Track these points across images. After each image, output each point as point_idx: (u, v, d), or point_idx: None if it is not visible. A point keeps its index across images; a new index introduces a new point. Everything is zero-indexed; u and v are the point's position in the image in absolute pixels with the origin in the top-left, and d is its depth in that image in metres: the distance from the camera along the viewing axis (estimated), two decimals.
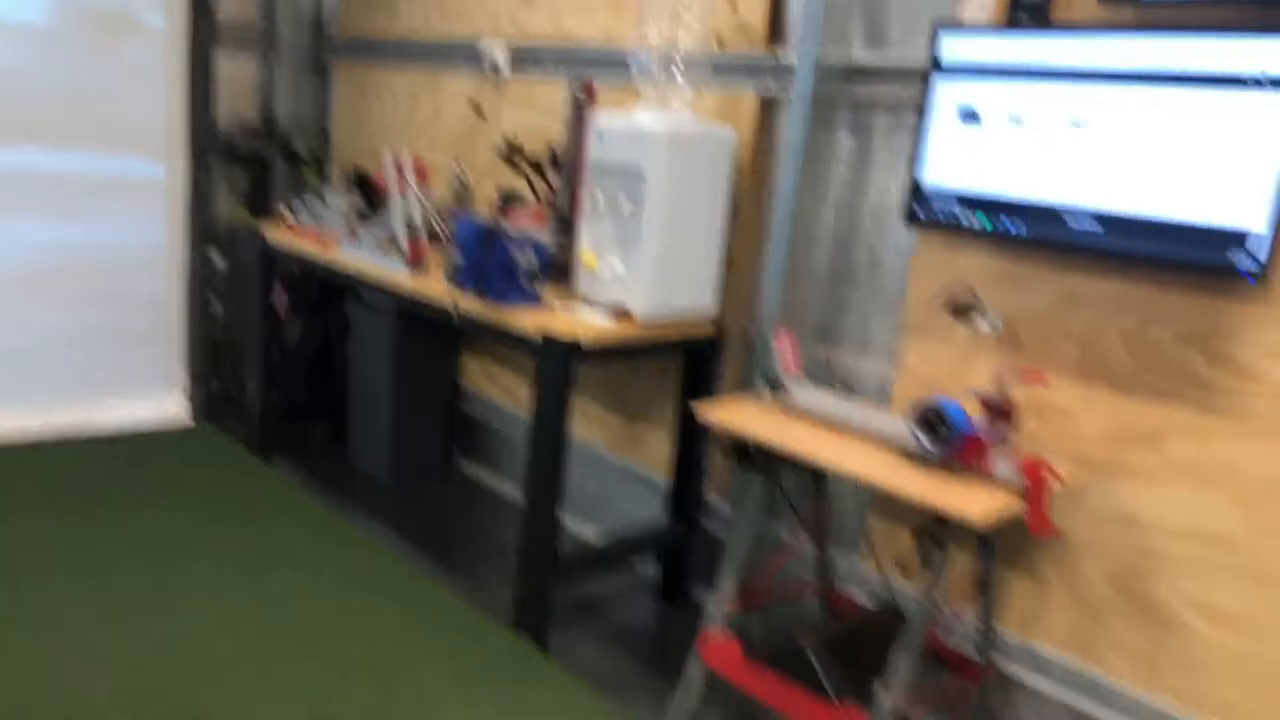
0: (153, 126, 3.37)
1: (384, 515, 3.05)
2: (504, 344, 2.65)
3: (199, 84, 3.38)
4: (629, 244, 2.36)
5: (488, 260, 2.29)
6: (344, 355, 3.51)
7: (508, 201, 2.89)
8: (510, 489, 3.36)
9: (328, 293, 3.58)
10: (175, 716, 1.91)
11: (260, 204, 3.96)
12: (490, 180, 3.24)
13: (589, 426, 3.00)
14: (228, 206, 3.82)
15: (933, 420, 1.70)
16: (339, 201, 3.18)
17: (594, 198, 2.41)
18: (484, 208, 3.24)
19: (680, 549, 2.63)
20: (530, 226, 2.66)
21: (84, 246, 3.32)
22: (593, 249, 2.42)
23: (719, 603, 1.96)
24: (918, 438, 1.72)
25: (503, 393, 3.37)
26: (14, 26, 3.06)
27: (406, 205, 2.66)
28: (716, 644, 1.89)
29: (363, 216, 3.14)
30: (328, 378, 3.67)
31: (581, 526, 3.06)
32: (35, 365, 3.28)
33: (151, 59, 3.32)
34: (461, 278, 2.29)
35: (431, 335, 3.32)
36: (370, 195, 3.33)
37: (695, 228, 2.38)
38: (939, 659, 1.97)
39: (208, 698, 1.98)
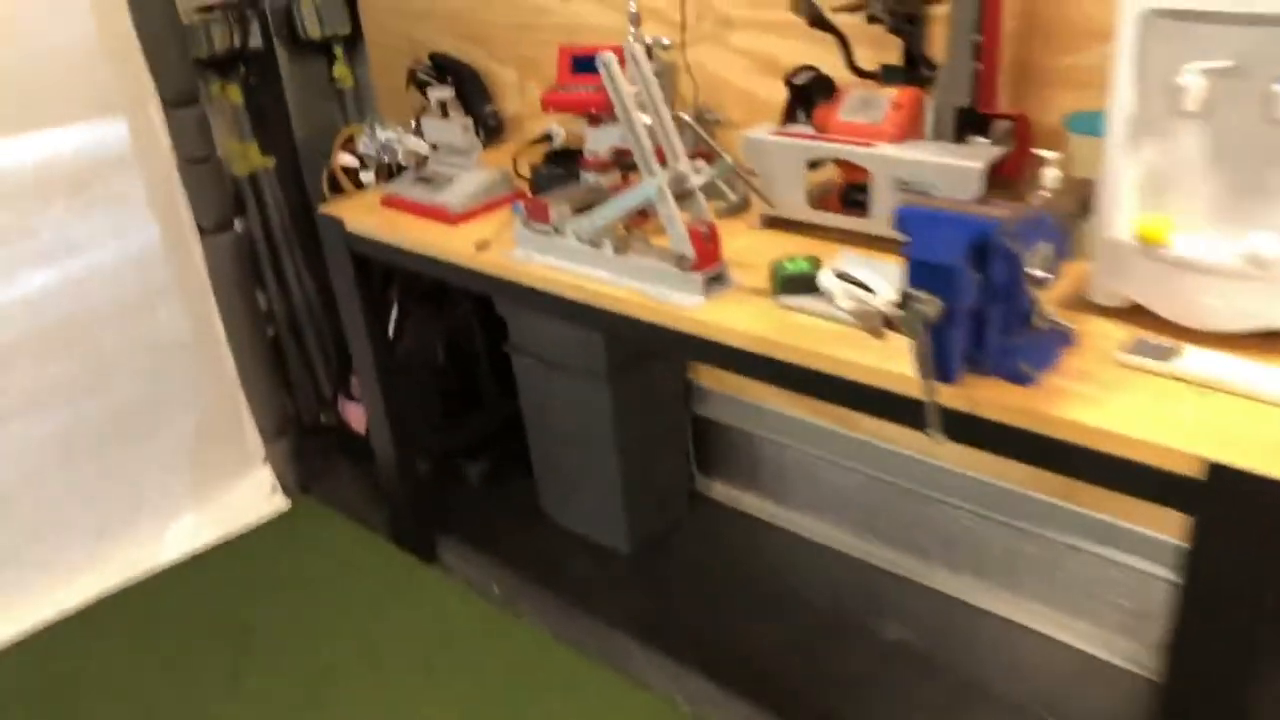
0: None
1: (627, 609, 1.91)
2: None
3: None
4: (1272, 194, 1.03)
5: (988, 299, 1.00)
6: (500, 361, 2.24)
7: (808, 90, 1.52)
8: (779, 510, 2.18)
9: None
10: None
11: (269, 129, 2.51)
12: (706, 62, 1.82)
13: None
14: (222, 141, 2.39)
15: None
16: (453, 133, 1.78)
17: (1132, 84, 1.07)
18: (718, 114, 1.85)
19: None
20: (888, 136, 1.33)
21: None
22: (1157, 201, 1.10)
23: None
24: None
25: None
26: None
27: (665, 143, 1.32)
28: None
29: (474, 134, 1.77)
30: (470, 394, 2.40)
31: None
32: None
33: None
34: (939, 347, 1.00)
35: None
36: (488, 121, 1.97)
37: None
38: None
39: None
